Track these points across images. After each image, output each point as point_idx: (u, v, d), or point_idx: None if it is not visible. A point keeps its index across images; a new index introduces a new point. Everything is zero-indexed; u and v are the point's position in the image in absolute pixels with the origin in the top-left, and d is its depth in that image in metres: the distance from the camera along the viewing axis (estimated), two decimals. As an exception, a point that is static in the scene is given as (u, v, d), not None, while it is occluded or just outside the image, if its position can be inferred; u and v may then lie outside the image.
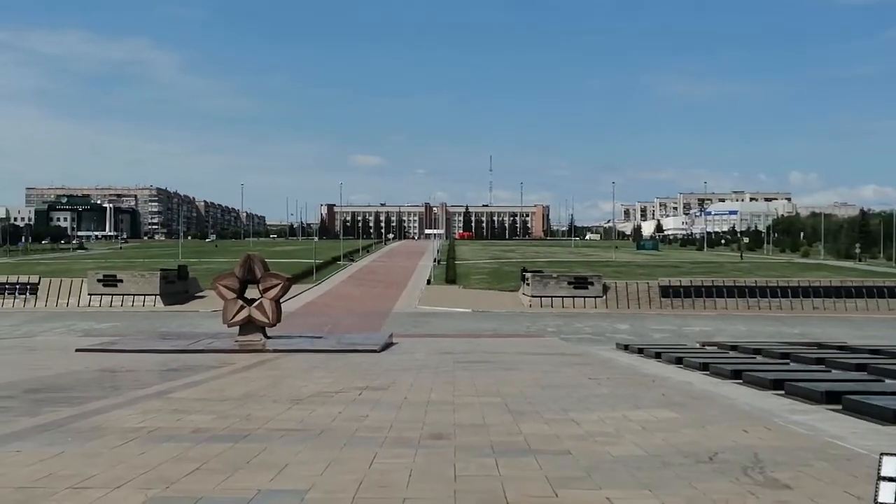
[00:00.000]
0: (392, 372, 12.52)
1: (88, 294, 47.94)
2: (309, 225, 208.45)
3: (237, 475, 5.01)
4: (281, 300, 18.54)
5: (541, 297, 47.09)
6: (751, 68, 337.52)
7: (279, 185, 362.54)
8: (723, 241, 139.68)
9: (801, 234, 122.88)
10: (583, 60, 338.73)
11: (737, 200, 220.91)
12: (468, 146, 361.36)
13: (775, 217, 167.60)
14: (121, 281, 48.16)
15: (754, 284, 48.40)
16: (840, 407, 8.74)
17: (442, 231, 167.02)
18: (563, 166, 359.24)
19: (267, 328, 18.21)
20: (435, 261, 75.42)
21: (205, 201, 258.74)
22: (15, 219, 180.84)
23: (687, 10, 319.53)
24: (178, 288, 49.72)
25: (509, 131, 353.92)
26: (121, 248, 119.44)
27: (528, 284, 48.69)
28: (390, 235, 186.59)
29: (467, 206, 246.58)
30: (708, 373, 13.36)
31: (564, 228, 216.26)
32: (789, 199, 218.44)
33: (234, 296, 18.15)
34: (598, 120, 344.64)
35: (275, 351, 16.37)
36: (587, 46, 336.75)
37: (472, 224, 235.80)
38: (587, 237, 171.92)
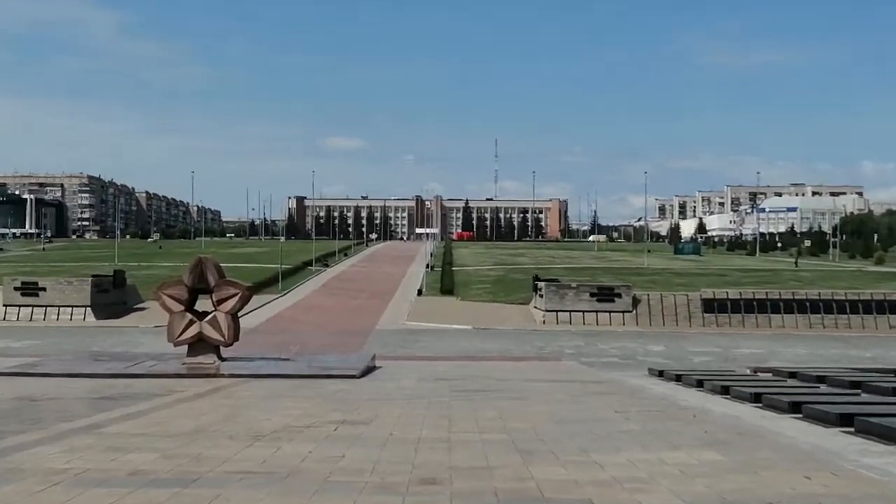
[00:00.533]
0: (374, 402, 12.54)
1: (4, 305, 47.85)
2: (274, 222, 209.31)
3: (184, 528, 4.99)
4: (239, 314, 18.48)
5: (557, 311, 47.20)
6: (812, 30, 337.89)
7: (238, 174, 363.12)
8: (779, 245, 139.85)
9: (875, 237, 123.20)
10: (603, 23, 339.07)
11: (796, 195, 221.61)
12: (468, 128, 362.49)
13: (843, 215, 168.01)
14: (43, 289, 48.10)
15: (817, 298, 48.51)
16: (922, 447, 8.74)
17: (436, 231, 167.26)
18: (584, 153, 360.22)
19: (222, 347, 18.15)
20: (428, 266, 75.72)
21: (147, 192, 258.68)
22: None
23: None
24: (113, 298, 49.66)
25: (518, 110, 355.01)
26: (44, 249, 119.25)
27: (541, 296, 48.81)
28: (373, 235, 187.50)
29: (467, 201, 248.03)
30: (760, 405, 13.37)
31: (586, 228, 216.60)
32: (860, 194, 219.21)
33: (182, 308, 18.08)
34: (624, 96, 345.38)
35: (231, 376, 16.30)
36: (608, 6, 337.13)
37: (474, 222, 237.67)
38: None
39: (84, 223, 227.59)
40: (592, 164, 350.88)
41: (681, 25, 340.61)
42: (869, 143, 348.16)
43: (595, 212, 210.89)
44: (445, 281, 64.39)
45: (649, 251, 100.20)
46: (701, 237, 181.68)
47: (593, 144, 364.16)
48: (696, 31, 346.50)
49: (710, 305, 47.42)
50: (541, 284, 50.22)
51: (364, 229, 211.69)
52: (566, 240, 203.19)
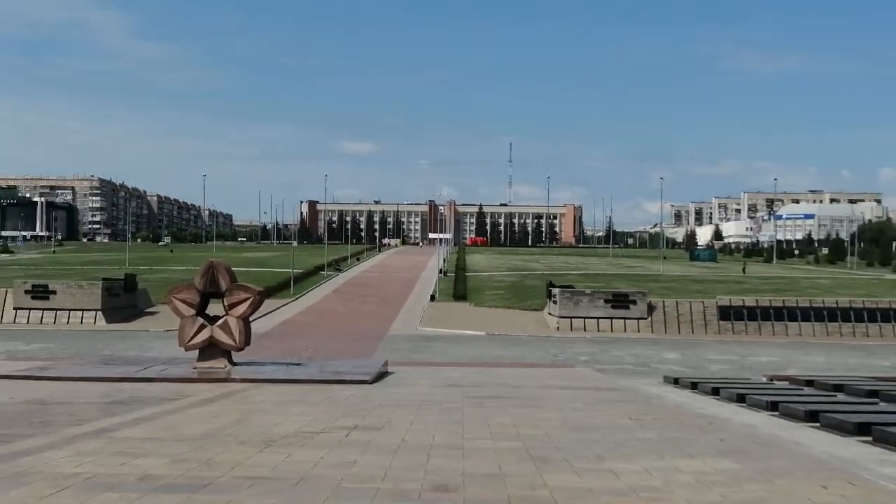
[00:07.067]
0: (386, 408, 12.56)
1: (14, 308, 48.08)
2: (286, 226, 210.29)
3: (195, 533, 4.97)
4: (251, 318, 18.56)
5: (571, 317, 47.07)
6: (834, 40, 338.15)
7: (250, 177, 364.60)
8: (796, 252, 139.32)
9: (894, 245, 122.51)
10: (623, 28, 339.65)
11: (814, 202, 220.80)
12: (482, 132, 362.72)
13: (861, 223, 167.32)
14: (53, 292, 48.28)
15: (835, 306, 48.23)
16: (941, 458, 8.71)
17: (449, 236, 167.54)
18: (600, 157, 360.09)
19: (233, 352, 18.24)
20: (441, 272, 75.76)
21: (158, 196, 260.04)
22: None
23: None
24: (123, 302, 49.83)
25: (533, 114, 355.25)
26: (54, 251, 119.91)
27: (555, 302, 48.72)
28: (386, 240, 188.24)
29: (481, 206, 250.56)
30: (777, 414, 13.36)
31: (602, 234, 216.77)
32: (879, 202, 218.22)
33: (194, 312, 18.17)
34: (644, 101, 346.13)
35: (242, 381, 16.35)
36: (629, 10, 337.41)
37: (488, 227, 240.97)
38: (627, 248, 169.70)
39: (95, 226, 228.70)
40: (612, 169, 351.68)
41: (706, 32, 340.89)
42: (888, 150, 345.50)
43: (610, 217, 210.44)
44: (459, 286, 64.37)
45: (665, 258, 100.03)
46: (717, 244, 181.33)
47: (614, 149, 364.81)
48: (722, 37, 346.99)
49: (726, 313, 47.21)
50: (555, 291, 50.04)
51: (377, 234, 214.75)
52: (581, 245, 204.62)
